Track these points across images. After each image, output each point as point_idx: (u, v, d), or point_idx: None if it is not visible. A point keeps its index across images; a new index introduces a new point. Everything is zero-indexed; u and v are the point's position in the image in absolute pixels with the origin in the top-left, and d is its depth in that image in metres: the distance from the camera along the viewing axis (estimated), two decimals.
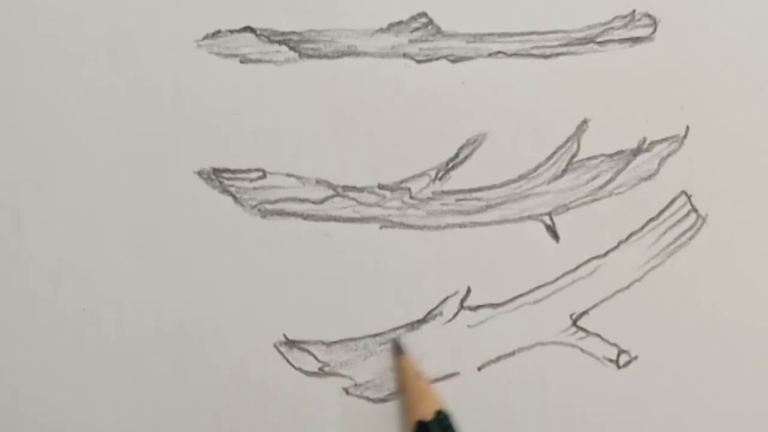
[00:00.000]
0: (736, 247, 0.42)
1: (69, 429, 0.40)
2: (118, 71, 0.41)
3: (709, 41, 0.42)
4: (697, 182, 0.42)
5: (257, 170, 0.41)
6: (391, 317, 0.41)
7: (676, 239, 0.42)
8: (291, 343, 0.41)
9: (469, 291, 0.41)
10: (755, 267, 0.42)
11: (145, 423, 0.41)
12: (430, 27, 0.41)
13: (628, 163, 0.42)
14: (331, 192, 0.41)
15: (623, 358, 0.42)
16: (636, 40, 0.42)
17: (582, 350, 0.42)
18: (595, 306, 0.42)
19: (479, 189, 0.42)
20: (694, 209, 0.42)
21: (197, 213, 0.41)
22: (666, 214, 0.42)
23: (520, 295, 0.42)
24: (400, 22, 0.41)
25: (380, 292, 0.41)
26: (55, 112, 0.40)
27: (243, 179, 0.41)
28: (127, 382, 0.41)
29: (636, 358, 0.42)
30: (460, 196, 0.42)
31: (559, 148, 0.42)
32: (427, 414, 0.40)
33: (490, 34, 0.42)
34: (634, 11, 0.42)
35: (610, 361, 0.42)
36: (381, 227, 0.41)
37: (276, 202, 0.41)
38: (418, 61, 0.41)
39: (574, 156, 0.42)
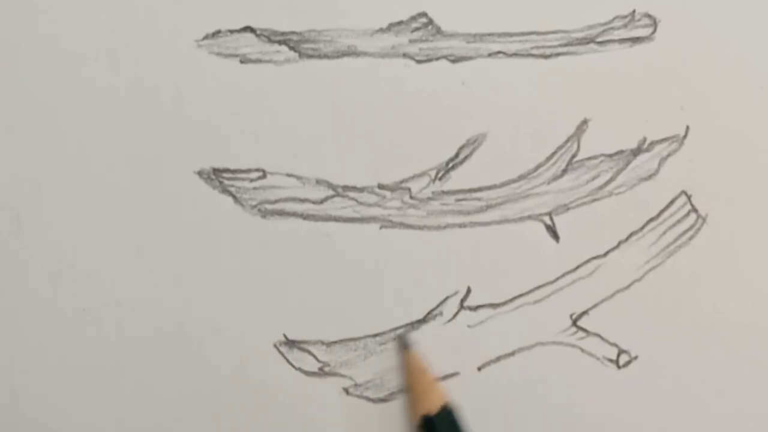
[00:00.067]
0: (736, 247, 0.42)
1: (69, 429, 0.40)
2: (118, 71, 0.41)
3: (709, 41, 0.42)
4: (697, 182, 0.42)
5: (257, 170, 0.41)
6: (391, 317, 0.41)
7: (676, 239, 0.42)
8: (291, 343, 0.41)
9: (469, 291, 0.41)
10: (755, 267, 0.42)
11: (145, 423, 0.41)
12: (430, 27, 0.41)
13: (628, 163, 0.42)
14: (331, 192, 0.41)
15: (623, 358, 0.42)
16: (636, 40, 0.42)
17: (582, 350, 0.42)
18: (595, 306, 0.42)
19: (479, 189, 0.42)
20: (694, 209, 0.42)
21: (197, 213, 0.41)
22: (666, 214, 0.42)
23: (520, 295, 0.42)
24: (400, 22, 0.41)
25: (380, 292, 0.41)
26: (55, 112, 0.40)
27: (243, 179, 0.41)
28: (127, 382, 0.41)
29: (636, 358, 0.42)
30: (460, 196, 0.42)
31: (559, 148, 0.42)
32: (432, 408, 0.40)
33: (490, 34, 0.42)
34: (634, 11, 0.42)
35: (610, 361, 0.42)
36: (381, 227, 0.41)
37: (276, 202, 0.41)
38: (418, 61, 0.41)
39: (574, 156, 0.42)
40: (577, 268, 0.42)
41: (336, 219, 0.41)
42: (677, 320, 0.42)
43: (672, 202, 0.42)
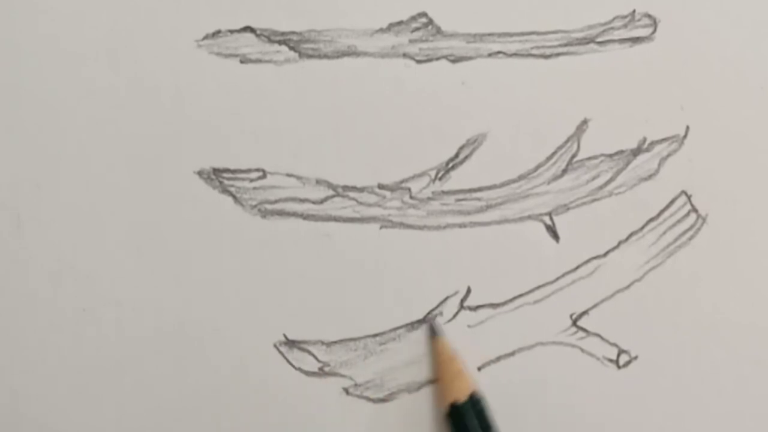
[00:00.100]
0: (736, 247, 0.42)
1: (69, 429, 0.40)
2: (118, 71, 0.41)
3: (709, 41, 0.42)
4: (697, 182, 0.42)
5: (257, 170, 0.41)
6: (391, 317, 0.41)
7: (676, 239, 0.42)
8: (291, 343, 0.41)
9: (469, 291, 0.41)
10: (755, 267, 0.42)
11: (145, 423, 0.41)
12: (430, 27, 0.41)
13: (628, 163, 0.42)
14: (331, 192, 0.41)
15: (623, 358, 0.42)
16: (636, 40, 0.42)
17: (582, 350, 0.42)
18: (595, 306, 0.42)
19: (479, 189, 0.42)
20: (694, 209, 0.42)
21: (197, 213, 0.41)
22: (666, 214, 0.42)
23: (520, 295, 0.42)
24: (400, 22, 0.41)
25: (380, 292, 0.41)
26: (55, 112, 0.40)
27: (243, 179, 0.41)
28: (127, 382, 0.41)
29: (636, 358, 0.42)
30: (460, 196, 0.42)
31: (559, 148, 0.42)
32: (461, 396, 0.40)
33: (490, 34, 0.42)
34: (634, 11, 0.42)
35: (610, 361, 0.42)
36: (381, 227, 0.41)
37: (276, 202, 0.41)
38: (418, 61, 0.41)
39: (574, 156, 0.42)
40: (577, 268, 0.42)
41: (336, 219, 0.41)
42: (677, 320, 0.42)
43: (672, 202, 0.42)
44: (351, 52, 0.41)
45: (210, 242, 0.41)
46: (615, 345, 0.42)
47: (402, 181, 0.41)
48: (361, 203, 0.41)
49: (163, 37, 0.41)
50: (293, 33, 0.41)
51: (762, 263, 0.42)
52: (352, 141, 0.41)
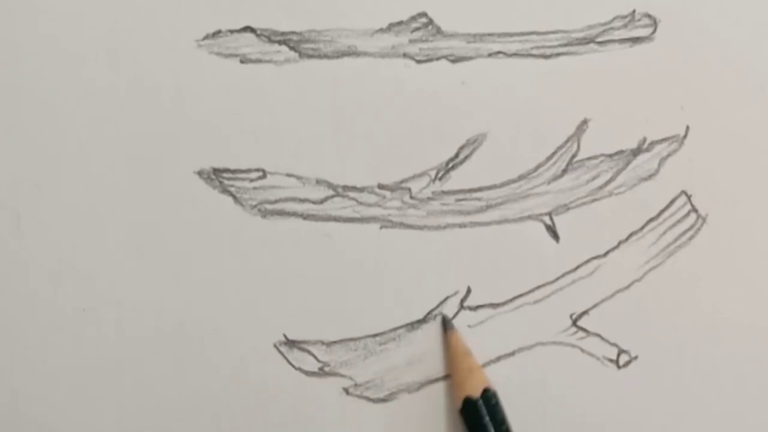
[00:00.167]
0: (736, 247, 0.42)
1: (69, 429, 0.40)
2: (118, 71, 0.41)
3: (709, 41, 0.42)
4: (697, 182, 0.42)
5: (257, 170, 0.41)
6: (391, 317, 0.41)
7: (676, 239, 0.42)
8: (291, 343, 0.41)
9: (469, 291, 0.41)
10: (755, 267, 0.42)
11: (145, 423, 0.41)
12: (430, 27, 0.41)
13: (628, 163, 0.42)
14: (331, 192, 0.41)
15: (623, 358, 0.42)
16: (636, 40, 0.42)
17: (582, 350, 0.42)
18: (595, 306, 0.42)
19: (479, 189, 0.42)
20: (694, 209, 0.42)
21: (197, 213, 0.41)
22: (666, 214, 0.42)
23: (520, 295, 0.42)
24: (400, 22, 0.41)
25: (380, 292, 0.41)
26: (55, 112, 0.40)
27: (243, 179, 0.41)
28: (127, 382, 0.41)
29: (636, 358, 0.42)
30: (460, 196, 0.42)
31: (559, 148, 0.42)
32: (474, 391, 0.40)
33: (490, 34, 0.42)
34: (634, 11, 0.42)
35: (610, 361, 0.42)
36: (381, 227, 0.41)
37: (276, 202, 0.41)
38: (418, 61, 0.41)
39: (574, 156, 0.42)
40: (577, 268, 0.42)
41: (336, 219, 0.41)
42: (677, 320, 0.42)
43: (672, 202, 0.42)
44: (351, 52, 0.41)
45: (210, 242, 0.41)
46: (615, 345, 0.42)
47: (402, 181, 0.41)
48: (361, 203, 0.41)
49: (163, 37, 0.41)
50: (293, 33, 0.41)
51: (762, 263, 0.42)
52: (352, 141, 0.41)
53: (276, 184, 0.41)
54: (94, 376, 0.41)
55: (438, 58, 0.41)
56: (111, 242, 0.41)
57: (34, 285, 0.40)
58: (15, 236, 0.40)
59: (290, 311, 0.41)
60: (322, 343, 0.41)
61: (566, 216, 0.42)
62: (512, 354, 0.42)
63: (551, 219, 0.42)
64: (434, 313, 0.41)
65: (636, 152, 0.42)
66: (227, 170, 0.41)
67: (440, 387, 0.41)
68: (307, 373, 0.41)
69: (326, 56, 0.41)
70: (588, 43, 0.42)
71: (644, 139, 0.42)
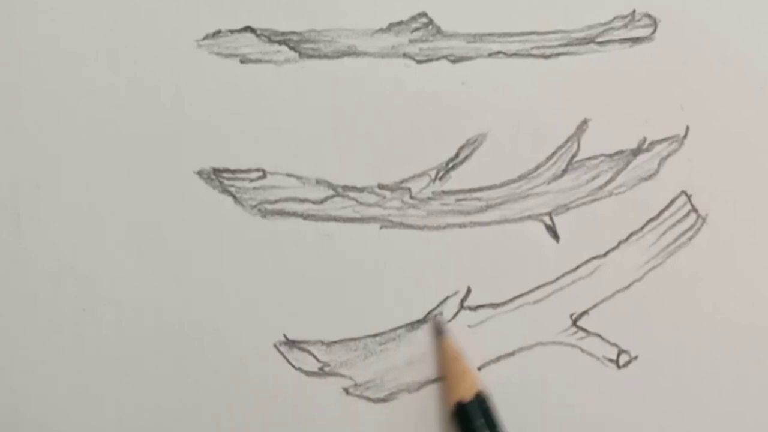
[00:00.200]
0: (736, 247, 0.42)
1: (69, 429, 0.40)
2: (118, 71, 0.41)
3: (709, 41, 0.42)
4: (697, 182, 0.42)
5: (257, 170, 0.41)
6: (391, 317, 0.41)
7: (676, 239, 0.42)
8: (291, 343, 0.41)
9: (469, 291, 0.41)
10: (755, 267, 0.42)
11: (145, 423, 0.41)
12: (430, 27, 0.41)
13: (628, 163, 0.42)
14: (331, 192, 0.41)
15: (623, 358, 0.42)
16: (636, 40, 0.42)
17: (582, 350, 0.42)
18: (595, 306, 0.42)
19: (479, 189, 0.42)
20: (694, 209, 0.42)
21: (197, 213, 0.41)
22: (666, 214, 0.42)
23: (520, 295, 0.42)
24: (400, 22, 0.41)
25: (380, 292, 0.41)
26: (55, 112, 0.40)
27: (243, 179, 0.41)
28: (127, 382, 0.41)
29: (636, 358, 0.42)
30: (460, 196, 0.42)
31: (559, 148, 0.42)
32: (466, 395, 0.40)
33: (490, 34, 0.42)
34: (634, 11, 0.42)
35: (610, 361, 0.42)
36: (381, 227, 0.41)
37: (276, 202, 0.41)
38: (418, 61, 0.41)
39: (574, 156, 0.42)
40: (577, 268, 0.42)
41: (336, 219, 0.41)
42: (677, 320, 0.42)
43: (672, 202, 0.42)
44: (351, 52, 0.41)
45: (210, 242, 0.41)
46: (615, 345, 0.42)
47: (402, 181, 0.41)
48: (361, 203, 0.41)
49: (163, 37, 0.41)
50: (293, 33, 0.41)
51: (762, 263, 0.42)
52: (352, 141, 0.41)
53: (276, 184, 0.41)
54: (94, 376, 0.41)
55: (438, 58, 0.41)
56: (111, 242, 0.41)
57: (34, 285, 0.40)
58: (15, 236, 0.40)
59: (290, 311, 0.41)
60: (322, 343, 0.41)
61: (566, 216, 0.42)
62: (512, 354, 0.42)
63: (551, 219, 0.42)
64: (434, 313, 0.41)
65: (636, 152, 0.42)
66: (227, 170, 0.41)
67: (440, 387, 0.41)
68: (307, 373, 0.41)
69: (326, 56, 0.41)
70: (588, 43, 0.42)
71: (644, 139, 0.42)
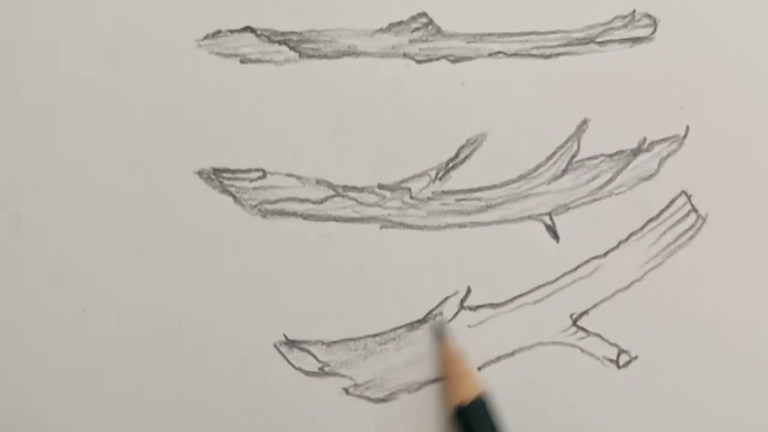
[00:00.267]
0: (736, 247, 0.42)
1: (69, 429, 0.40)
2: (118, 71, 0.41)
3: (709, 41, 0.42)
4: (697, 182, 0.42)
5: (257, 170, 0.41)
6: (391, 317, 0.41)
7: (676, 239, 0.42)
8: (291, 343, 0.41)
9: (469, 291, 0.41)
10: (755, 267, 0.42)
11: (145, 423, 0.41)
12: (430, 27, 0.41)
13: (628, 163, 0.42)
14: (331, 192, 0.41)
15: (623, 358, 0.42)
16: (636, 40, 0.42)
17: (582, 350, 0.42)
18: (595, 306, 0.42)
19: (479, 189, 0.42)
20: (694, 209, 0.42)
21: (197, 213, 0.41)
22: (666, 214, 0.42)
23: (520, 295, 0.42)
24: (400, 22, 0.41)
25: (380, 292, 0.41)
26: (55, 112, 0.40)
27: (243, 179, 0.41)
28: (127, 382, 0.41)
29: (636, 358, 0.42)
30: (460, 196, 0.42)
31: (559, 148, 0.42)
32: (467, 398, 0.40)
33: (490, 34, 0.42)
34: (634, 11, 0.42)
35: (610, 361, 0.42)
36: (381, 227, 0.41)
37: (276, 202, 0.41)
38: (418, 61, 0.41)
39: (574, 156, 0.42)
40: (577, 268, 0.42)
41: (336, 219, 0.41)
42: (677, 320, 0.42)
43: (672, 202, 0.42)
44: (351, 52, 0.41)
45: (210, 242, 0.41)
46: (615, 345, 0.42)
47: (402, 181, 0.41)
48: (361, 203, 0.41)
49: (163, 37, 0.41)
50: (293, 33, 0.41)
51: (762, 263, 0.42)
52: (352, 141, 0.41)
53: (276, 184, 0.41)
54: (94, 376, 0.41)
55: (438, 58, 0.41)
56: (111, 242, 0.41)
57: (34, 285, 0.40)
58: (15, 236, 0.40)
59: (290, 311, 0.41)
60: (322, 343, 0.41)
61: (566, 216, 0.42)
62: (512, 354, 0.42)
63: (551, 219, 0.42)
64: (434, 313, 0.41)
65: (636, 152, 0.42)
66: (227, 170, 0.41)
67: (440, 387, 0.41)
68: (307, 373, 0.41)
69: (326, 56, 0.41)
70: (588, 43, 0.42)
71: (644, 139, 0.42)
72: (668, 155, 0.42)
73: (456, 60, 0.41)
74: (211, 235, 0.41)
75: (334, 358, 0.41)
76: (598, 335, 0.42)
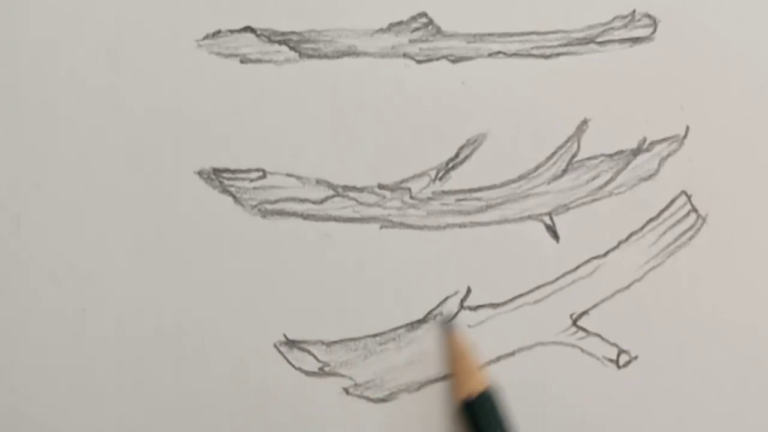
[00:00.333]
0: (736, 247, 0.42)
1: (69, 429, 0.40)
2: (118, 71, 0.41)
3: (709, 41, 0.42)
4: (697, 182, 0.42)
5: (257, 170, 0.41)
6: (391, 317, 0.41)
7: (676, 239, 0.42)
8: (291, 343, 0.41)
9: (469, 291, 0.41)
10: (755, 267, 0.42)
11: (145, 423, 0.41)
12: (430, 27, 0.41)
13: (628, 163, 0.42)
14: (331, 192, 0.41)
15: (623, 358, 0.42)
16: (636, 40, 0.42)
17: (582, 350, 0.42)
18: (595, 306, 0.42)
19: (479, 189, 0.42)
20: (694, 209, 0.42)
21: (197, 213, 0.41)
22: (666, 214, 0.42)
23: (520, 295, 0.42)
24: (400, 22, 0.41)
25: (380, 292, 0.41)
26: (55, 112, 0.40)
27: (243, 179, 0.41)
28: (127, 382, 0.41)
29: (636, 358, 0.42)
30: (460, 196, 0.42)
31: (559, 148, 0.42)
32: (474, 391, 0.40)
33: (490, 34, 0.42)
34: (634, 11, 0.42)
35: (610, 361, 0.42)
36: (381, 227, 0.41)
37: (276, 202, 0.41)
38: (418, 61, 0.41)
39: (574, 156, 0.42)
40: (577, 268, 0.42)
41: (336, 219, 0.41)
42: (677, 320, 0.42)
43: (672, 202, 0.42)
44: (351, 52, 0.41)
45: (210, 242, 0.41)
46: (615, 345, 0.42)
47: (402, 181, 0.41)
48: (361, 203, 0.41)
49: (163, 37, 0.41)
50: (293, 33, 0.41)
51: (762, 263, 0.42)
52: (352, 141, 0.41)
53: (276, 184, 0.41)
54: (94, 376, 0.41)
55: (438, 58, 0.41)
56: (111, 242, 0.41)
57: (34, 285, 0.40)
58: (15, 236, 0.40)
59: (290, 311, 0.41)
60: (322, 343, 0.41)
61: (566, 216, 0.42)
62: (512, 354, 0.42)
63: (551, 219, 0.42)
64: (434, 313, 0.41)
65: (636, 152, 0.42)
66: (227, 170, 0.41)
67: (440, 387, 0.41)
68: (307, 373, 0.41)
69: (326, 56, 0.41)
70: (588, 43, 0.42)
71: (644, 139, 0.42)
72: (668, 155, 0.42)
73: (456, 60, 0.41)
74: (211, 235, 0.41)
75: (334, 358, 0.41)
76: (598, 335, 0.42)
